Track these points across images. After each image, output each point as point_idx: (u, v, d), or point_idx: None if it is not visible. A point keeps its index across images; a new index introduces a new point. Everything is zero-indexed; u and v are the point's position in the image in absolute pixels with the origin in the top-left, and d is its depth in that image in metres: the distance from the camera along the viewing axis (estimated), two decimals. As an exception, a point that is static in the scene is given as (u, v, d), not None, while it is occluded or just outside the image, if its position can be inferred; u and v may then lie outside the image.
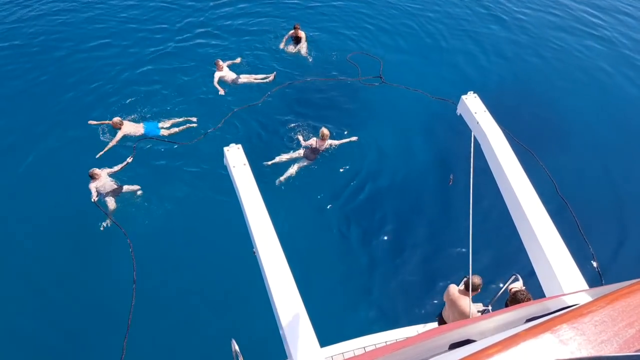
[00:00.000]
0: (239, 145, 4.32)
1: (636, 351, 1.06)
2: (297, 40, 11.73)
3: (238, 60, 11.22)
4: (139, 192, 8.41)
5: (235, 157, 4.22)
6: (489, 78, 11.37)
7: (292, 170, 8.87)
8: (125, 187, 8.35)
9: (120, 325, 5.96)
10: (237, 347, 3.27)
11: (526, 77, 11.66)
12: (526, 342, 1.09)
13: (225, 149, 4.29)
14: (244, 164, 4.16)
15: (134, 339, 5.93)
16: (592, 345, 1.09)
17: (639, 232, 8.52)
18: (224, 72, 10.56)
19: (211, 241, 7.74)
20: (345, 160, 9.20)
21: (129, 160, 8.74)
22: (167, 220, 8.11)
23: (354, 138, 9.36)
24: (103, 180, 8.18)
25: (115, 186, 8.25)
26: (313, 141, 9.05)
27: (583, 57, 12.58)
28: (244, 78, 10.61)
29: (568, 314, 1.16)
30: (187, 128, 9.52)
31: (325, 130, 8.96)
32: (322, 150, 9.03)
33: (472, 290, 5.05)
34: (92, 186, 8.07)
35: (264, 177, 8.51)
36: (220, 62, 10.57)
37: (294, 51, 11.69)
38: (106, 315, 6.77)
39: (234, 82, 10.53)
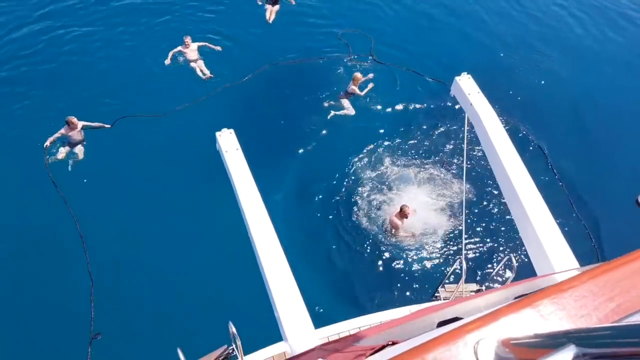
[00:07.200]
0: (231, 130, 4.29)
1: (612, 322, 1.09)
2: (274, 0, 11.50)
3: (219, 48, 10.51)
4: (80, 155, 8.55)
5: (227, 141, 4.20)
6: (482, 58, 11.22)
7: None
8: (79, 147, 8.58)
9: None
10: (234, 329, 3.31)
11: (523, 57, 11.54)
12: (506, 316, 1.11)
13: (218, 133, 4.27)
14: (237, 149, 4.15)
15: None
16: (572, 319, 1.12)
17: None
18: (188, 51, 10.14)
19: (203, 224, 7.68)
20: (339, 144, 9.17)
21: (107, 125, 8.82)
22: (152, 203, 7.96)
23: (370, 77, 9.82)
24: (77, 130, 8.49)
25: (81, 138, 8.60)
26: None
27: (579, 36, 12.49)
28: (197, 64, 10.20)
29: (549, 289, 1.18)
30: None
31: (356, 75, 9.51)
32: (351, 91, 9.56)
33: None
34: (62, 132, 8.38)
35: (257, 161, 8.41)
36: (188, 40, 10.11)
37: (268, 13, 11.36)
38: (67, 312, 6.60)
39: (190, 62, 10.18)
